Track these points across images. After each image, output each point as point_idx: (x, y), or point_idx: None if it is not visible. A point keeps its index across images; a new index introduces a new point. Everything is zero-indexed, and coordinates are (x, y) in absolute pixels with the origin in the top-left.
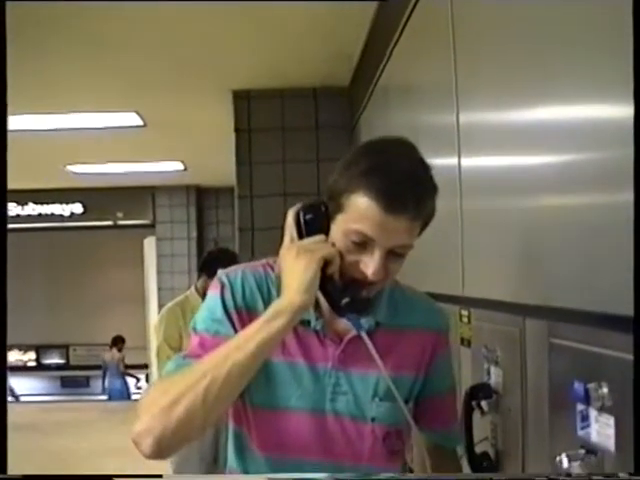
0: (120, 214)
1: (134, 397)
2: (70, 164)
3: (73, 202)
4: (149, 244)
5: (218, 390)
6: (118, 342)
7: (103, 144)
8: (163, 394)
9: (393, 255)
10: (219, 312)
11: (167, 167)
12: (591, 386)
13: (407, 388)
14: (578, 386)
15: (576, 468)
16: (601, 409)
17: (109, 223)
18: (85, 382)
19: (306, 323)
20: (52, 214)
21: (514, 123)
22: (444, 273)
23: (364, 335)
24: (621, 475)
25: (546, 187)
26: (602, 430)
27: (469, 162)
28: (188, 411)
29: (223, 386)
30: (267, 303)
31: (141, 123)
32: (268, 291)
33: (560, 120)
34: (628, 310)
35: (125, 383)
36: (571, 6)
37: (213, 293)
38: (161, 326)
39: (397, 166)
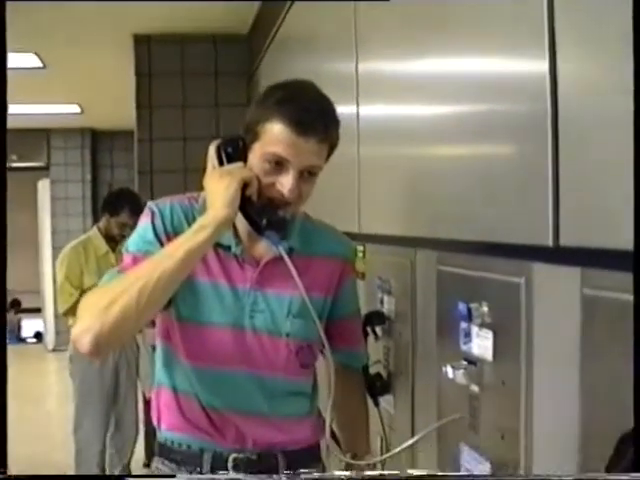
0: (14, 156)
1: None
2: None
3: None
4: (43, 187)
5: (150, 293)
6: (15, 304)
7: None
8: (100, 297)
9: (305, 176)
10: (150, 235)
11: (63, 109)
12: (473, 305)
13: (317, 308)
14: (462, 307)
15: (459, 376)
16: (481, 325)
17: None
18: None
19: (227, 248)
20: None
21: (411, 74)
22: (342, 212)
23: (283, 252)
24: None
25: (441, 133)
26: (482, 343)
27: (367, 110)
28: (123, 311)
29: (154, 289)
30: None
31: (40, 65)
32: (193, 219)
33: (455, 72)
34: (503, 238)
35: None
36: None
37: (144, 221)
38: (63, 264)
39: (306, 96)
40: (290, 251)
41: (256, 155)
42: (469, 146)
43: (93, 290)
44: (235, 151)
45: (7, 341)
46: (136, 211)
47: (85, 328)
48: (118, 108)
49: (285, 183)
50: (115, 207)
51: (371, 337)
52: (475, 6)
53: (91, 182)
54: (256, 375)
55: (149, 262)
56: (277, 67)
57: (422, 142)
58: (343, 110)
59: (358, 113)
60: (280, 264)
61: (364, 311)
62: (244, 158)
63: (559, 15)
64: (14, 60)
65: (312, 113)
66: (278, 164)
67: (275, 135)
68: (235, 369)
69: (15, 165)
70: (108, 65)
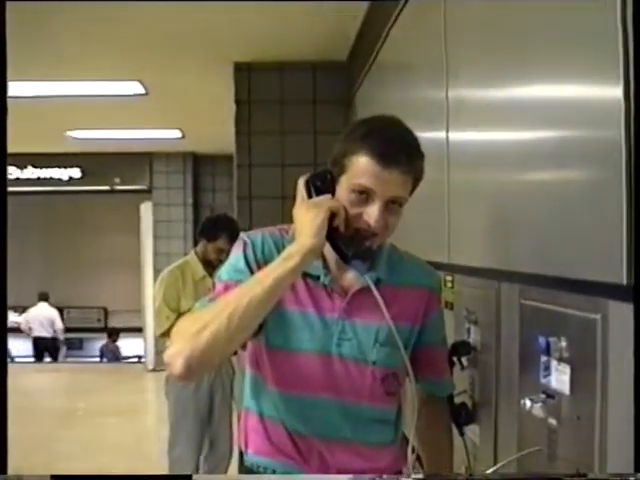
0: (117, 179)
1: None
2: (70, 129)
3: (71, 167)
4: (146, 209)
5: (239, 318)
6: (113, 334)
7: (105, 111)
8: (193, 323)
9: (391, 207)
10: (242, 264)
11: (165, 134)
12: (552, 340)
13: (404, 337)
14: (542, 340)
15: (537, 409)
16: (560, 359)
17: (106, 188)
18: (79, 344)
19: (316, 278)
20: (51, 178)
21: (499, 100)
22: (432, 241)
23: (370, 282)
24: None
25: (522, 162)
26: (560, 377)
27: (457, 136)
28: (214, 335)
29: (244, 315)
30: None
31: (143, 91)
32: (284, 249)
33: (541, 98)
34: (580, 274)
35: None
36: None
37: (236, 251)
38: (161, 287)
39: (390, 130)
40: (377, 281)
41: (343, 187)
42: (549, 173)
43: (186, 316)
44: (323, 184)
45: (106, 360)
46: (233, 237)
47: (177, 352)
48: (219, 133)
49: (371, 214)
50: (213, 233)
51: (457, 367)
52: (553, 36)
53: (192, 205)
54: (342, 402)
55: (239, 289)
56: (373, 94)
57: (506, 169)
58: (434, 136)
59: (448, 138)
60: (368, 294)
61: (452, 340)
62: (332, 191)
63: (633, 41)
64: (118, 87)
65: (396, 146)
66: (364, 195)
67: (360, 167)
68: (321, 396)
69: (118, 188)
70: (208, 91)
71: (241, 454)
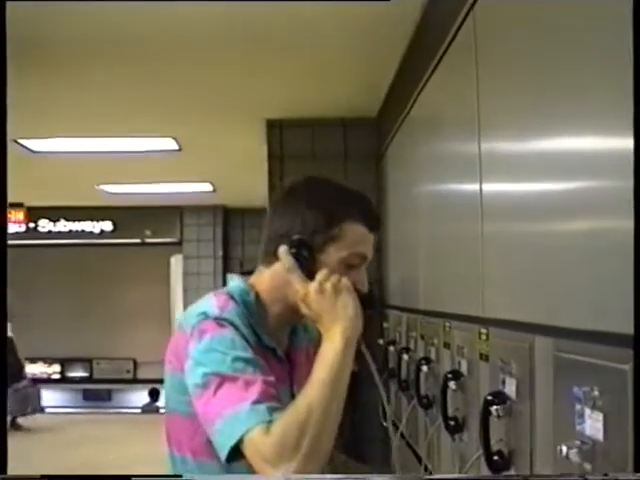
0: (148, 232)
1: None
2: (102, 183)
3: (103, 220)
4: (176, 262)
5: (335, 418)
6: (154, 394)
7: (138, 166)
8: (298, 437)
9: None
10: (249, 353)
11: (196, 188)
12: (585, 389)
13: None
14: (576, 390)
15: (573, 455)
16: (593, 408)
17: (137, 241)
18: (107, 396)
19: (272, 350)
20: (82, 231)
21: (530, 152)
22: (466, 294)
23: (366, 352)
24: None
25: (556, 212)
26: (594, 424)
27: (489, 188)
28: (328, 442)
29: (338, 411)
30: (255, 334)
31: (177, 147)
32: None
33: (572, 150)
34: (615, 327)
35: None
36: (581, 49)
37: (224, 334)
38: None
39: (357, 192)
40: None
41: (332, 257)
42: (579, 224)
43: (277, 428)
44: (310, 254)
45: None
46: None
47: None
48: (249, 187)
49: (362, 280)
50: None
51: (494, 415)
52: (570, 91)
53: (222, 258)
54: None
55: (321, 392)
56: (404, 150)
57: (540, 220)
58: (467, 188)
59: (481, 190)
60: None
61: (486, 391)
62: (314, 260)
63: None
64: (152, 144)
65: (374, 208)
66: (360, 262)
67: (358, 235)
68: None
69: (149, 241)
70: (240, 147)
71: None
